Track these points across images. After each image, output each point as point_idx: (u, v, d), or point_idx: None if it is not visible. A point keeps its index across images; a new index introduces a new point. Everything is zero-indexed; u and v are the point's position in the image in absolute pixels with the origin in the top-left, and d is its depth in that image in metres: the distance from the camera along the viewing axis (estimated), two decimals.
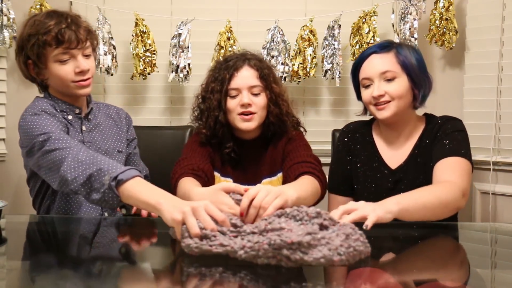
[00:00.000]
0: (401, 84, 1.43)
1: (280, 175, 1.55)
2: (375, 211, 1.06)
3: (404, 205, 1.13)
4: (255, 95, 1.49)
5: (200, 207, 0.95)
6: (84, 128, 1.47)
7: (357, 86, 1.54)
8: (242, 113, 1.47)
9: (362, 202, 1.11)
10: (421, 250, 1.05)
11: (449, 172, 1.35)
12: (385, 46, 1.47)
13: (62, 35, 1.32)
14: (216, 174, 1.54)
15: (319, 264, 0.80)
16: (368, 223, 1.02)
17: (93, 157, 1.17)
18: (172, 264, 0.99)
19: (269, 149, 1.56)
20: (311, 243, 0.80)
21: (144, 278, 0.90)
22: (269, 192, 1.05)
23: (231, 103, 1.48)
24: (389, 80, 1.43)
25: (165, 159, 1.89)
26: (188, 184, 1.31)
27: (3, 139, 2.10)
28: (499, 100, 2.02)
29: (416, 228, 1.28)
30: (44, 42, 1.33)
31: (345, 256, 0.81)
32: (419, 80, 1.45)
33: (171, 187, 1.37)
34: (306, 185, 1.31)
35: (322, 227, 0.87)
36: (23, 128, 1.34)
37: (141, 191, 1.08)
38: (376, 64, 1.45)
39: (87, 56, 1.40)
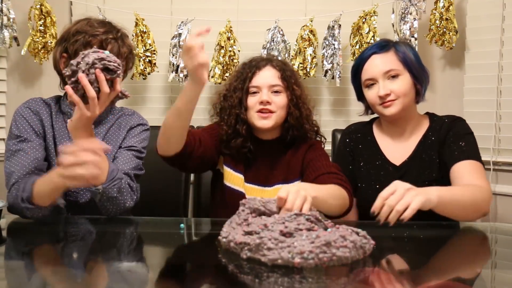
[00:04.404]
0: (405, 81, 1.45)
1: (297, 183, 1.52)
2: (418, 198, 1.07)
3: (443, 199, 1.15)
4: (276, 94, 1.49)
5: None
6: None
7: (358, 87, 1.55)
8: (260, 111, 1.47)
9: (398, 183, 1.11)
10: (422, 250, 1.05)
11: (476, 176, 1.35)
12: (384, 46, 1.49)
13: (106, 43, 1.36)
14: (228, 169, 1.52)
15: (276, 264, 0.88)
16: (406, 216, 1.05)
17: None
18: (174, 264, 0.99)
19: (288, 154, 1.55)
20: (261, 246, 0.90)
21: (137, 278, 0.90)
22: (297, 197, 1.08)
23: (251, 100, 1.49)
24: (393, 77, 1.45)
25: None
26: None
27: (3, 139, 2.10)
28: (499, 100, 2.02)
29: (417, 228, 1.28)
30: (87, 43, 1.36)
31: (313, 260, 0.87)
32: (420, 75, 1.48)
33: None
34: (330, 189, 1.30)
35: (285, 233, 0.93)
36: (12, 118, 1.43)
37: (40, 185, 1.23)
38: (379, 64, 1.46)
39: None
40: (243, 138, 1.50)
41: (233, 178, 1.52)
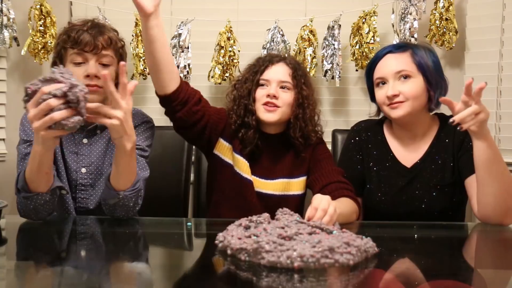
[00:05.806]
0: (416, 84, 1.41)
1: (302, 179, 1.54)
2: (482, 116, 1.19)
3: (492, 144, 1.24)
4: (284, 90, 1.51)
5: None
6: (85, 141, 1.45)
7: (371, 87, 1.52)
8: (267, 103, 1.48)
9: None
10: (423, 250, 1.05)
11: None
12: (401, 46, 1.46)
13: (79, 37, 1.36)
14: (238, 157, 1.52)
15: (275, 266, 0.87)
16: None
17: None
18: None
19: (292, 150, 1.56)
20: (259, 250, 0.90)
21: (137, 278, 0.90)
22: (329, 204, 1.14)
23: (259, 92, 1.51)
24: (404, 78, 1.41)
25: (165, 159, 1.89)
26: None
27: (3, 139, 2.10)
28: (499, 100, 2.03)
29: (416, 228, 1.28)
30: (64, 42, 1.37)
31: (313, 264, 0.86)
32: (435, 81, 1.43)
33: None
34: (347, 206, 1.34)
35: (284, 237, 0.94)
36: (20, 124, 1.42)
37: (27, 168, 1.21)
38: (391, 64, 1.43)
39: (104, 65, 1.39)
40: (254, 130, 1.51)
41: (242, 166, 1.52)
